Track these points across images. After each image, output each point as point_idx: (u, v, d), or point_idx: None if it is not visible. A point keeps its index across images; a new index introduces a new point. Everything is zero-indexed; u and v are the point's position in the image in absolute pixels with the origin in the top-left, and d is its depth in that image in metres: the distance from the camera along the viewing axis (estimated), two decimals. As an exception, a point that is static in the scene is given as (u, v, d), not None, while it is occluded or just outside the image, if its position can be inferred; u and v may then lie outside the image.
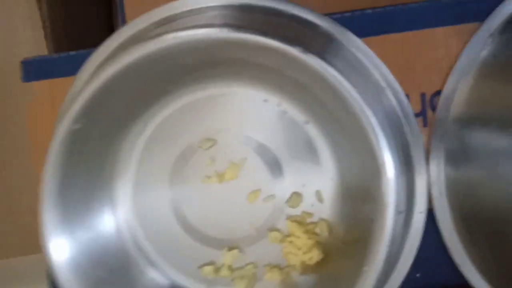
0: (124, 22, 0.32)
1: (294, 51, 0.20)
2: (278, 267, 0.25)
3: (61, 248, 0.22)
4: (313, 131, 0.25)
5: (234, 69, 0.25)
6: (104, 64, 0.26)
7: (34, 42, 0.38)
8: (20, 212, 0.40)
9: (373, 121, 0.20)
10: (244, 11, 0.25)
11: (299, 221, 0.25)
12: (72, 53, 0.27)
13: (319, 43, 0.23)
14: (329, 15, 0.24)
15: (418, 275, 0.26)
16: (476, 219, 0.24)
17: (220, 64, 0.25)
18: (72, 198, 0.23)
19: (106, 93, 0.22)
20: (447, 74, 0.25)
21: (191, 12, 0.25)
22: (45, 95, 0.28)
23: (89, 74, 0.26)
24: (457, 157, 0.25)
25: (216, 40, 0.21)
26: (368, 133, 0.20)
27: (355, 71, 0.24)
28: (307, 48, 0.20)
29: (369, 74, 0.25)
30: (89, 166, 0.24)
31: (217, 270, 0.26)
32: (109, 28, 0.42)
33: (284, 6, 0.25)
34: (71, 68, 0.27)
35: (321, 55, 0.21)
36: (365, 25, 0.25)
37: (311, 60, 0.20)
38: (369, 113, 0.20)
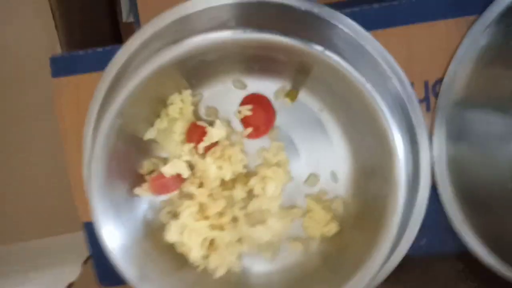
0: (138, 20, 0.33)
1: (315, 50, 0.22)
2: (299, 239, 0.29)
3: (111, 233, 0.25)
4: (327, 117, 0.28)
5: (251, 63, 0.27)
6: (131, 61, 0.28)
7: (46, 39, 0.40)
8: (47, 196, 0.43)
9: (384, 107, 0.22)
10: (258, 8, 0.27)
11: (317, 199, 0.28)
12: (99, 49, 0.29)
13: (333, 39, 0.25)
14: (339, 8, 0.26)
15: (422, 242, 0.29)
16: (473, 193, 0.27)
17: (239, 59, 0.27)
18: (117, 187, 0.25)
19: (141, 90, 0.24)
20: (448, 63, 0.27)
21: (208, 11, 0.27)
22: (71, 90, 0.30)
23: (117, 70, 0.28)
24: (457, 138, 0.27)
25: (239, 40, 0.23)
26: (380, 118, 0.22)
27: (365, 62, 0.26)
28: (325, 45, 0.23)
29: (378, 64, 0.27)
30: (128, 158, 0.26)
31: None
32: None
33: (296, 2, 0.27)
34: (96, 64, 0.29)
35: (337, 51, 0.23)
36: (373, 19, 0.27)
37: (330, 58, 0.22)
38: (380, 100, 0.23)
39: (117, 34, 0.42)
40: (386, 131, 0.23)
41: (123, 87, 0.24)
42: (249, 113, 0.27)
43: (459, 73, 0.27)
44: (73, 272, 0.38)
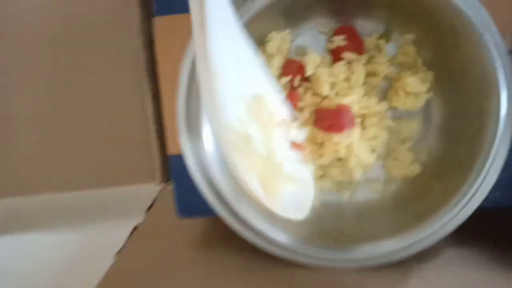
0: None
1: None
2: (378, 180, 0.30)
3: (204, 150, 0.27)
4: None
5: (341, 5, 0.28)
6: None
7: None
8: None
9: (493, 47, 0.23)
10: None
11: (402, 140, 0.29)
12: None
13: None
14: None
15: (497, 193, 0.30)
16: None
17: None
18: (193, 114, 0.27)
19: (253, 22, 0.25)
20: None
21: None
22: (173, 28, 0.31)
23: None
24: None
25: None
26: (486, 57, 0.23)
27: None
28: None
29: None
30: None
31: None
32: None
33: None
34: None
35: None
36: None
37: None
38: (490, 41, 0.24)
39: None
40: (491, 71, 0.24)
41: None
42: (342, 43, 0.28)
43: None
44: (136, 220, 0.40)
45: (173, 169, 0.33)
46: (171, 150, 0.33)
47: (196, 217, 0.33)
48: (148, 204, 0.43)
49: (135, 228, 0.39)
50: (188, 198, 0.32)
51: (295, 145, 0.27)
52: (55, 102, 0.43)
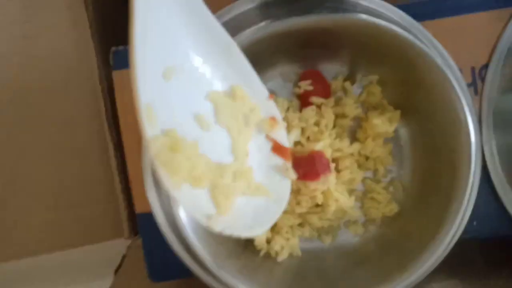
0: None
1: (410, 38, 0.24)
2: (357, 222, 0.29)
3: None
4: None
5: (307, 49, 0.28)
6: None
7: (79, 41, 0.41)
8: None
9: (454, 81, 0.24)
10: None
11: (377, 180, 0.29)
12: None
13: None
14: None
15: (474, 223, 0.30)
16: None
17: (294, 47, 0.28)
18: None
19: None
20: (493, 50, 0.29)
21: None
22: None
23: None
24: (504, 120, 0.29)
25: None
26: (450, 94, 0.24)
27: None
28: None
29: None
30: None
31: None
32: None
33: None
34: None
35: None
36: (423, 11, 0.29)
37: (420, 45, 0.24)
38: (450, 75, 0.24)
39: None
40: (457, 109, 0.24)
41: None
42: (309, 87, 0.27)
43: (503, 59, 0.29)
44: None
45: (142, 228, 0.31)
46: (138, 207, 0.31)
47: (170, 280, 0.31)
48: (117, 263, 0.40)
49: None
50: (160, 260, 0.31)
51: (277, 148, 0.24)
52: (11, 152, 0.40)
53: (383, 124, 0.27)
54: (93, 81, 0.38)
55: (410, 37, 0.24)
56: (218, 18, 0.27)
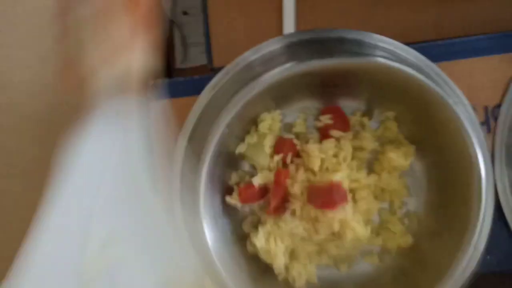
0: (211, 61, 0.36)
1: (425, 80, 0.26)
2: (373, 252, 0.30)
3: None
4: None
5: (327, 88, 0.30)
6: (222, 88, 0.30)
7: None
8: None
9: (465, 121, 0.25)
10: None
11: (392, 212, 0.30)
12: (196, 77, 0.32)
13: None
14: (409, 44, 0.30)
15: (488, 257, 0.31)
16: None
17: (315, 86, 0.30)
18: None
19: (248, 105, 0.27)
20: (505, 91, 0.31)
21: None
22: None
23: (211, 94, 0.30)
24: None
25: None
26: (461, 132, 0.25)
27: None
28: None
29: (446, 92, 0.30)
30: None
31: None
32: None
33: (357, 35, 0.29)
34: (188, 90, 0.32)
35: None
36: (439, 53, 0.31)
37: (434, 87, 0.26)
38: (461, 114, 0.26)
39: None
40: (468, 146, 0.26)
41: (229, 110, 0.26)
42: (329, 121, 0.29)
43: (515, 100, 0.30)
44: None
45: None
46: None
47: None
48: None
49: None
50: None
51: None
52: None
53: (399, 158, 0.28)
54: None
55: (425, 79, 0.26)
56: (247, 56, 0.29)
